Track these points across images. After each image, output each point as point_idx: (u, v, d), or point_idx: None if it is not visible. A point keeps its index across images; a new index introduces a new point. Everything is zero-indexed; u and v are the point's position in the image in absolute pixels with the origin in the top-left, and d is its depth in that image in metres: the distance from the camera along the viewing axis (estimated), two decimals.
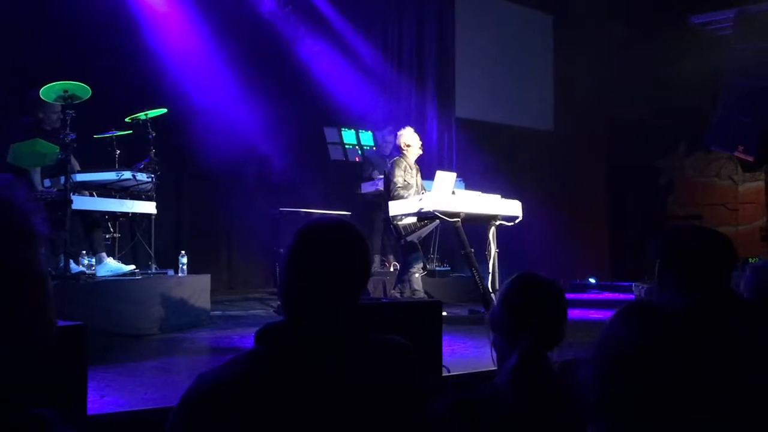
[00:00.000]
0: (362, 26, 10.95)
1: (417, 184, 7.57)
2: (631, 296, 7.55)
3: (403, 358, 1.72)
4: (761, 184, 11.63)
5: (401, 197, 7.31)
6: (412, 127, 7.94)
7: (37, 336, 1.00)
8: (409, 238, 7.37)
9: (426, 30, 11.44)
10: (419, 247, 7.67)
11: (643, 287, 6.41)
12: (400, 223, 7.33)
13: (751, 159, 10.08)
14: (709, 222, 11.74)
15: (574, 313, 8.06)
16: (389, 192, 7.47)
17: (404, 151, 7.60)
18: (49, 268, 5.46)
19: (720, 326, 1.92)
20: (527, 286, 2.20)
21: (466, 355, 5.17)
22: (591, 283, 11.44)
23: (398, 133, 7.81)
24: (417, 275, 7.49)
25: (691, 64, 11.18)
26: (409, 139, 7.64)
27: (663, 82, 11.25)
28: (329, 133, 10.34)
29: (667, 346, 1.29)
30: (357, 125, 10.64)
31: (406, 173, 7.50)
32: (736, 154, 10.24)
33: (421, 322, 4.19)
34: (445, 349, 4.49)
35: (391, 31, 11.38)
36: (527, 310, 2.13)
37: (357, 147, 10.52)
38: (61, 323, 2.78)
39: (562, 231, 11.09)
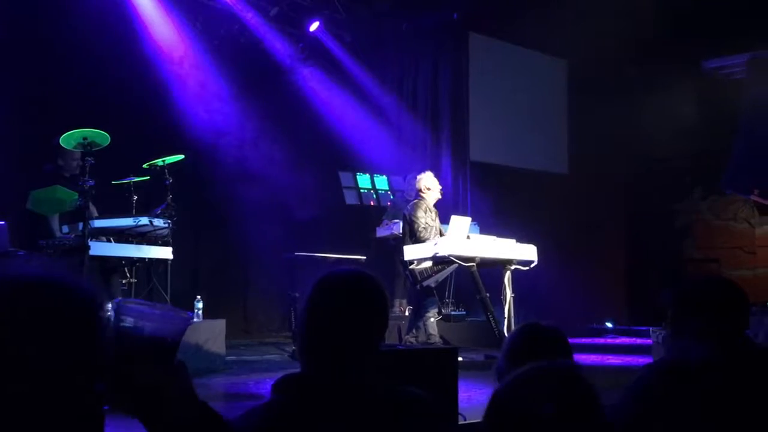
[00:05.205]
0: (377, 71, 11.09)
1: (436, 227, 7.58)
2: (649, 341, 7.46)
3: (422, 412, 1.71)
4: None
5: (426, 239, 7.33)
6: (428, 171, 7.99)
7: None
8: (425, 283, 7.35)
9: (440, 75, 11.55)
10: (435, 291, 7.65)
11: (660, 333, 6.33)
12: (416, 267, 7.32)
13: (766, 202, 10.03)
14: (727, 265, 11.64)
15: (591, 359, 7.99)
16: (413, 234, 7.48)
17: (423, 194, 7.64)
18: None
19: (747, 382, 1.91)
20: (529, 336, 2.19)
21: (483, 401, 5.11)
22: (608, 327, 11.34)
23: (418, 176, 7.85)
24: (432, 320, 7.46)
25: (707, 107, 11.21)
26: (429, 182, 7.69)
27: (678, 125, 11.26)
28: (344, 177, 10.40)
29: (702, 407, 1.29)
30: (372, 170, 10.70)
31: (427, 215, 7.53)
32: (752, 197, 10.20)
33: (437, 369, 4.16)
34: (461, 395, 4.44)
35: (406, 75, 11.51)
36: (531, 362, 2.12)
37: (372, 191, 10.57)
38: None
39: (579, 275, 11.02)
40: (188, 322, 1.41)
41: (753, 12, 10.18)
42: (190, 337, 6.45)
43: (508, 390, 1.50)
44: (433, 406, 1.75)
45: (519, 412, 1.44)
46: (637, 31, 10.77)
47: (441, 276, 7.51)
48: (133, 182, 6.93)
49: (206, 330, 6.71)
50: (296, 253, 8.06)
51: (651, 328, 7.22)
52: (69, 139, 5.94)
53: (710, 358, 2.02)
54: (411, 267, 7.34)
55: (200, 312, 6.97)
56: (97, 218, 6.40)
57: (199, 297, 7.06)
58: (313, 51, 10.40)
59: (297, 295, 7.52)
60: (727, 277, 2.60)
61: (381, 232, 9.48)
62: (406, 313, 9.00)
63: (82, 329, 1.13)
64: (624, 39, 10.66)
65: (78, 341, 1.12)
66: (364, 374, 1.68)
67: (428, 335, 7.34)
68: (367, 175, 10.62)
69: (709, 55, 10.84)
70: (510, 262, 7.34)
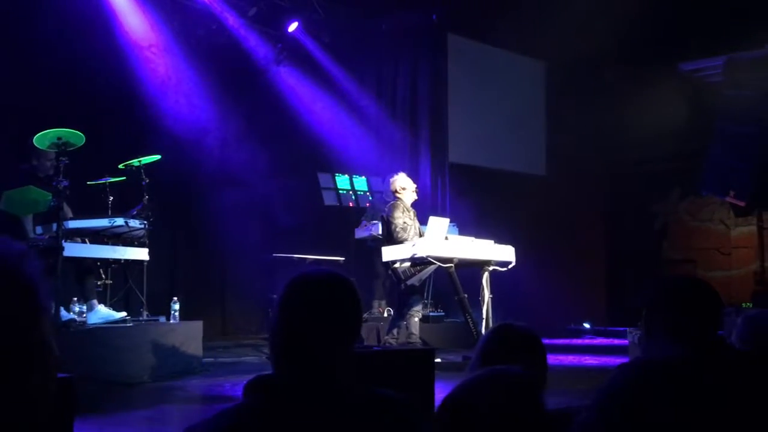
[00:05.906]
0: (356, 73, 11.07)
1: (415, 227, 7.57)
2: (626, 342, 7.51)
3: (397, 414, 1.67)
4: (753, 228, 11.64)
5: (404, 239, 7.31)
6: (404, 172, 7.98)
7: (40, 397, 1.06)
8: (409, 282, 7.33)
9: (419, 76, 11.56)
10: (419, 290, 7.63)
11: (637, 333, 6.38)
12: (399, 267, 7.30)
13: (741, 204, 10.11)
14: (703, 266, 11.74)
15: (569, 359, 8.02)
16: (390, 235, 7.46)
17: (399, 195, 7.62)
18: None
19: (719, 383, 1.91)
20: (503, 337, 2.19)
21: None
22: (586, 328, 11.40)
23: (391, 179, 7.82)
24: (416, 319, 7.43)
25: (684, 109, 11.30)
26: (404, 182, 7.67)
27: (656, 127, 11.35)
28: (323, 178, 10.36)
29: (673, 405, 1.29)
30: (351, 171, 10.69)
31: (405, 215, 7.51)
32: (728, 199, 10.27)
33: (414, 371, 4.15)
34: (438, 396, 4.43)
35: (385, 77, 11.50)
36: (504, 363, 2.12)
37: (351, 192, 10.54)
38: None
39: (557, 276, 11.07)
40: None
41: (729, 14, 10.27)
42: (167, 338, 6.41)
43: (456, 395, 1.49)
44: (407, 408, 1.72)
45: (463, 417, 1.43)
46: (614, 33, 10.84)
47: (425, 274, 7.48)
48: (109, 183, 6.85)
49: (183, 332, 6.66)
50: (274, 254, 8.02)
51: (628, 329, 7.26)
52: (43, 139, 5.86)
53: (682, 358, 2.02)
54: (394, 266, 7.32)
55: (177, 314, 6.91)
56: (71, 219, 6.31)
57: (175, 298, 7.00)
58: (291, 51, 10.36)
59: (274, 296, 7.46)
60: (703, 278, 2.62)
61: (360, 233, 9.46)
62: (385, 315, 8.99)
63: (19, 317, 1.04)
64: (601, 42, 10.73)
65: (13, 329, 1.03)
66: (337, 376, 1.66)
67: (409, 334, 7.32)
68: (346, 176, 10.59)
69: (685, 58, 10.92)
70: (488, 263, 7.35)
